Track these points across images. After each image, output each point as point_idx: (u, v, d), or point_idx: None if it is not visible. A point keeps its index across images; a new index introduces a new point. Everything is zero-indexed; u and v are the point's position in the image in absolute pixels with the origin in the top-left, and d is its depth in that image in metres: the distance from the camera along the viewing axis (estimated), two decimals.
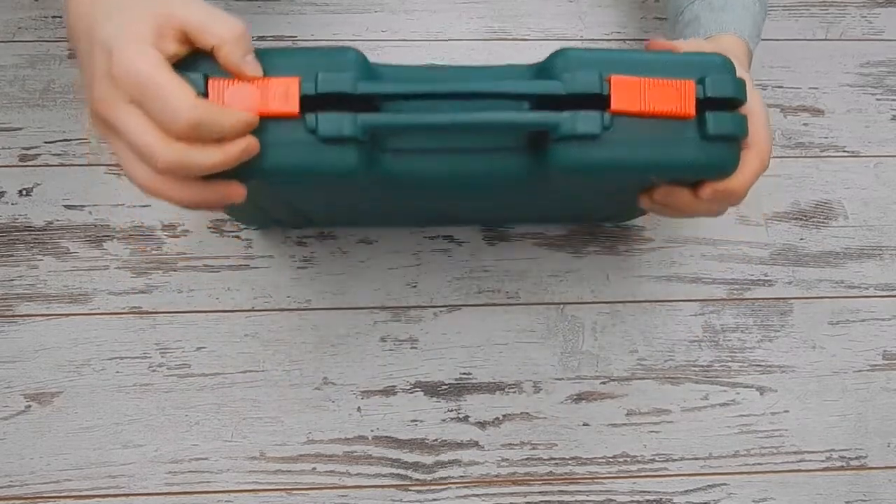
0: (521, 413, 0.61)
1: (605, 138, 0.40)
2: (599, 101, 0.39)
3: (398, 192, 0.47)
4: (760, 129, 0.43)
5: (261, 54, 0.39)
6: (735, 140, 0.41)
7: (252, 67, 0.37)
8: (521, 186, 0.45)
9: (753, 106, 0.43)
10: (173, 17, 0.36)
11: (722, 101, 0.40)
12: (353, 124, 0.38)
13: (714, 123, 0.40)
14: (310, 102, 0.38)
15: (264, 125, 0.38)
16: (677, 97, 0.40)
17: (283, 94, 0.37)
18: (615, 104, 0.39)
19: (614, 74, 0.39)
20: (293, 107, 0.37)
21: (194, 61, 0.37)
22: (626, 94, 0.39)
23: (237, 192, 0.39)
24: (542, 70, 0.41)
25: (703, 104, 0.40)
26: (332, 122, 0.38)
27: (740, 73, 0.43)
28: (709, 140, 0.40)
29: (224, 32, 0.36)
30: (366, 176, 0.40)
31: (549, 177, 0.42)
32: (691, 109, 0.40)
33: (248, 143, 0.37)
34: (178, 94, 0.34)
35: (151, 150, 0.35)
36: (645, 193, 0.47)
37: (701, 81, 0.40)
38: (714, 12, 0.52)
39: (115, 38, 0.35)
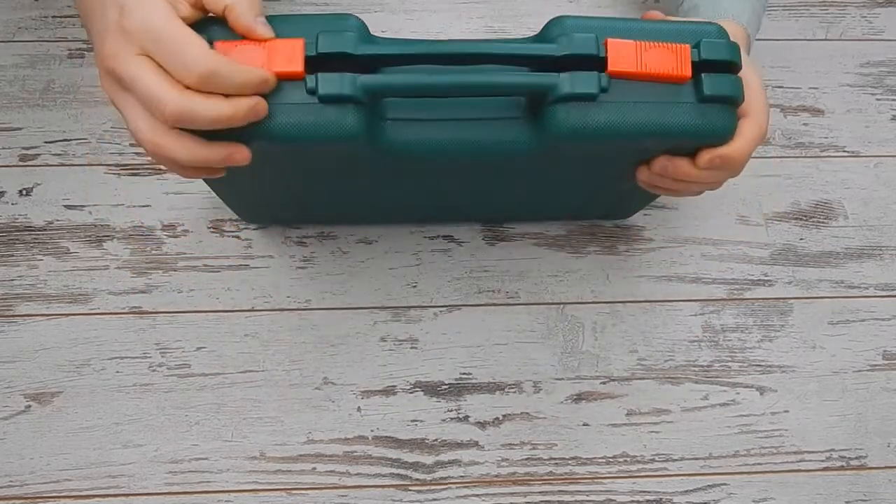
0: (521, 413, 0.61)
1: (602, 101, 0.40)
2: (596, 63, 0.40)
3: (397, 173, 0.47)
4: (757, 99, 0.43)
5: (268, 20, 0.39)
6: (731, 102, 0.41)
7: (263, 28, 0.38)
8: (520, 162, 0.45)
9: (750, 77, 0.43)
10: None
11: (717, 64, 0.40)
12: (352, 84, 0.38)
13: (710, 84, 0.40)
14: (312, 64, 0.38)
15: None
16: (673, 59, 0.40)
17: (288, 55, 0.38)
18: (612, 65, 0.39)
19: (610, 38, 0.40)
20: (298, 66, 0.38)
21: (201, 27, 0.37)
22: (623, 55, 0.40)
23: (241, 153, 0.39)
24: (540, 36, 0.42)
25: (699, 67, 0.40)
26: (332, 81, 0.38)
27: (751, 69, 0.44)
28: (705, 102, 0.40)
29: None
30: (365, 143, 0.40)
31: (548, 144, 0.42)
32: (687, 71, 0.40)
33: (258, 102, 0.37)
34: (192, 43, 0.35)
35: (160, 97, 0.35)
36: (643, 165, 0.47)
37: (696, 45, 0.40)
38: (713, 0, 0.52)
39: None
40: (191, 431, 0.59)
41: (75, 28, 0.68)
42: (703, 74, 0.40)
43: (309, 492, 0.58)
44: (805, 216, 0.67)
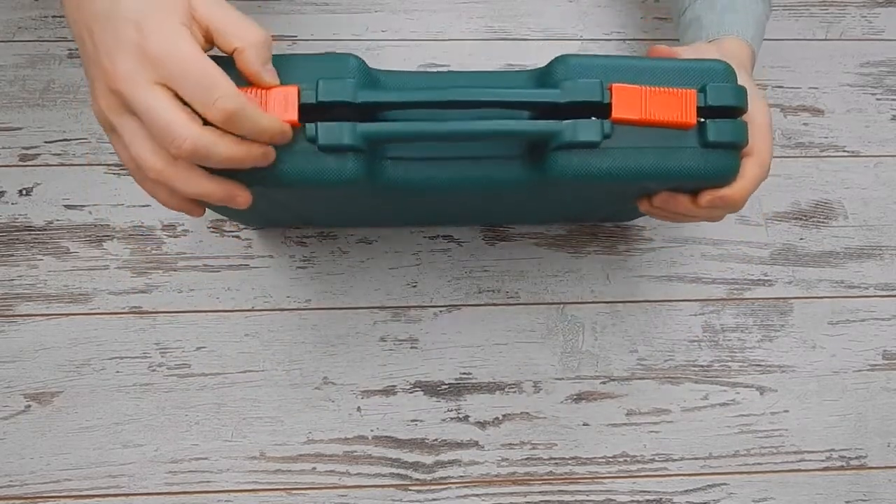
0: (521, 413, 0.61)
1: (604, 146, 0.40)
2: (600, 109, 0.39)
3: (398, 198, 0.47)
4: (762, 137, 0.43)
5: None
6: (735, 148, 0.41)
7: (269, 76, 0.37)
8: (520, 192, 0.45)
9: (756, 113, 0.42)
10: (199, 12, 0.36)
11: (723, 109, 0.40)
12: (352, 133, 0.38)
13: (714, 131, 0.40)
14: (310, 110, 0.38)
15: None
16: (678, 106, 0.39)
17: (283, 103, 0.37)
18: (616, 112, 0.39)
19: (615, 83, 0.39)
20: (292, 115, 0.37)
21: None
22: (628, 102, 0.39)
23: (243, 197, 0.39)
24: (543, 76, 0.41)
25: (704, 111, 0.40)
26: (332, 131, 0.38)
27: (743, 79, 0.43)
28: (709, 148, 0.40)
29: (250, 36, 0.36)
30: (365, 184, 0.40)
31: (549, 184, 0.42)
32: (692, 118, 0.40)
33: (268, 151, 0.37)
34: (221, 80, 0.34)
35: (178, 132, 0.34)
36: (644, 198, 0.47)
37: (702, 90, 0.40)
38: (716, 13, 0.51)
39: (148, 15, 0.34)
40: (191, 431, 0.59)
41: None
42: (707, 121, 0.40)
43: (309, 492, 0.58)
44: (805, 216, 0.67)
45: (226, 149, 0.35)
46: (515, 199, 0.50)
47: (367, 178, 0.40)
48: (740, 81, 0.42)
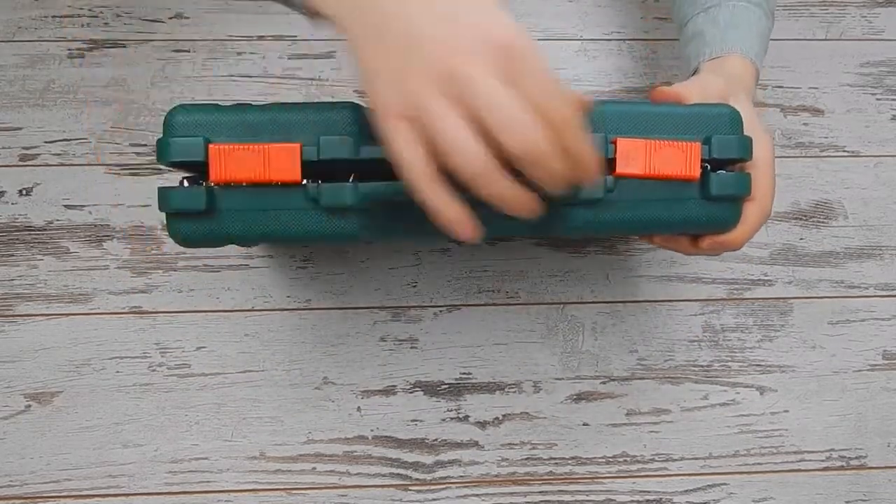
0: (521, 413, 0.61)
1: (607, 199, 0.40)
2: (604, 163, 0.39)
3: (401, 239, 0.47)
4: (764, 180, 0.43)
5: (259, 110, 0.38)
6: (738, 200, 0.41)
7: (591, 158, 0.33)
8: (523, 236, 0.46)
9: (759, 152, 0.42)
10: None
11: (727, 161, 0.40)
12: (354, 194, 0.38)
13: (717, 185, 0.40)
14: (311, 166, 0.38)
15: (266, 191, 0.38)
16: (683, 160, 0.40)
17: (285, 163, 0.37)
18: (620, 168, 0.39)
19: (619, 136, 0.39)
20: (295, 175, 0.37)
21: (194, 126, 0.37)
22: (632, 158, 0.39)
23: (471, 229, 0.34)
24: None
25: (709, 162, 0.40)
26: (334, 193, 0.38)
27: (743, 105, 0.43)
28: (711, 200, 0.40)
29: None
30: (367, 238, 0.40)
31: (552, 234, 0.42)
32: (696, 172, 0.40)
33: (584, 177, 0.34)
34: (559, 84, 0.31)
35: (519, 120, 0.31)
36: (646, 237, 0.48)
37: (707, 141, 0.40)
38: (719, 29, 0.50)
39: (459, 13, 0.31)
40: (191, 431, 0.59)
41: (75, 28, 0.68)
42: (711, 174, 0.40)
43: (309, 491, 0.58)
44: (805, 216, 0.67)
45: (557, 162, 0.32)
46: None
47: (369, 233, 0.40)
48: (742, 107, 0.42)
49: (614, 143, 0.39)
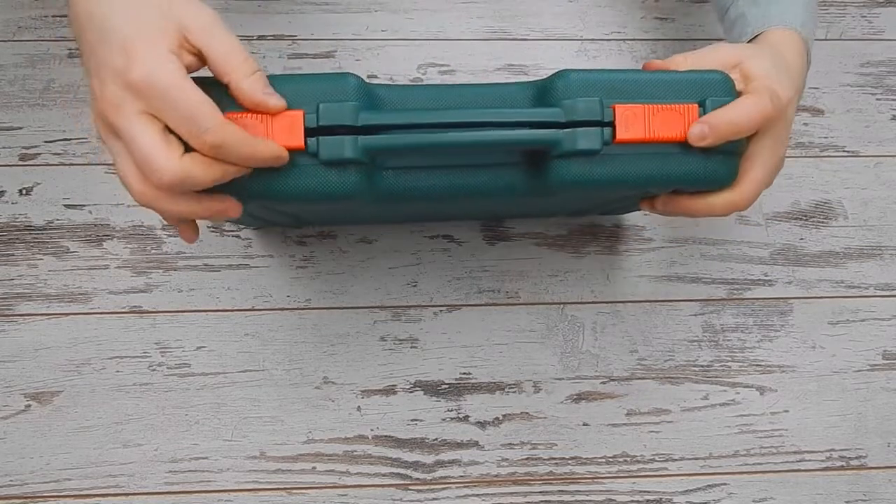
0: (521, 413, 0.61)
1: (604, 153, 0.40)
2: (603, 125, 0.40)
3: (398, 204, 0.47)
4: (764, 138, 0.42)
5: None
6: (733, 154, 0.42)
7: (275, 101, 0.37)
8: (520, 198, 0.46)
9: (785, 111, 0.42)
10: (191, 38, 0.35)
11: None
12: (353, 147, 0.38)
13: None
14: (311, 134, 0.38)
15: None
16: (681, 122, 0.40)
17: (288, 129, 0.38)
18: (620, 134, 0.40)
19: (617, 102, 0.40)
20: (299, 141, 0.38)
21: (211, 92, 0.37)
22: (631, 122, 0.40)
23: (233, 208, 0.39)
24: (543, 93, 0.41)
25: None
26: (334, 145, 0.38)
27: (782, 78, 0.42)
28: (707, 154, 0.41)
29: (239, 70, 0.36)
30: (367, 196, 0.41)
31: (549, 192, 0.42)
32: None
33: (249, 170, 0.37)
34: (207, 111, 0.34)
35: (157, 166, 0.34)
36: (647, 200, 0.48)
37: (702, 104, 0.40)
38: (759, 6, 0.49)
39: (133, 38, 0.34)
40: (191, 431, 0.59)
41: None
42: None
43: (309, 491, 0.58)
44: (805, 216, 0.67)
45: (208, 174, 0.35)
46: (515, 199, 0.50)
47: (369, 191, 0.40)
48: (760, 66, 0.42)
49: (613, 109, 0.40)
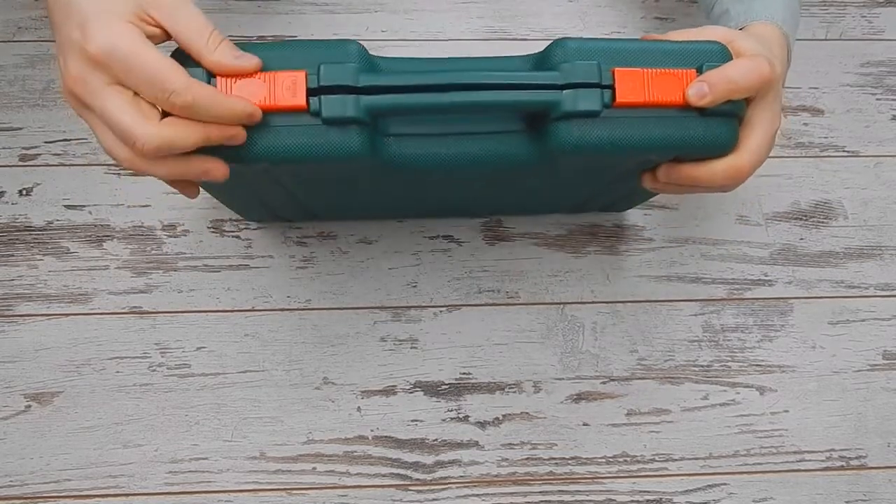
0: (521, 413, 0.61)
1: (604, 116, 0.40)
2: (602, 88, 0.40)
3: (398, 179, 0.47)
4: (761, 106, 0.43)
5: (265, 48, 0.39)
6: (733, 117, 0.42)
7: (248, 61, 0.37)
8: (522, 169, 0.46)
9: (764, 108, 0.42)
10: (152, 14, 0.35)
11: None
12: (355, 106, 0.38)
13: None
14: (314, 92, 0.38)
15: (272, 115, 0.38)
16: (679, 87, 0.40)
17: (291, 88, 0.38)
18: (620, 98, 0.40)
19: (615, 66, 0.40)
20: (301, 100, 0.38)
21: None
22: (631, 86, 0.40)
23: (219, 170, 0.38)
24: (541, 60, 0.42)
25: None
26: (336, 103, 0.38)
27: (751, 49, 0.43)
28: (706, 117, 0.41)
29: (211, 43, 0.36)
30: (368, 160, 0.40)
31: (550, 157, 0.42)
32: None
33: (237, 133, 0.37)
34: (171, 73, 0.34)
35: (135, 134, 0.34)
36: (648, 172, 0.47)
37: (700, 70, 0.40)
38: (743, 3, 0.50)
39: (90, 14, 0.34)
40: (191, 431, 0.59)
41: None
42: None
43: (309, 492, 0.58)
44: (805, 216, 0.67)
45: (189, 137, 0.35)
46: (517, 182, 0.50)
47: (371, 154, 0.40)
48: (748, 44, 0.42)
49: (612, 72, 0.40)
